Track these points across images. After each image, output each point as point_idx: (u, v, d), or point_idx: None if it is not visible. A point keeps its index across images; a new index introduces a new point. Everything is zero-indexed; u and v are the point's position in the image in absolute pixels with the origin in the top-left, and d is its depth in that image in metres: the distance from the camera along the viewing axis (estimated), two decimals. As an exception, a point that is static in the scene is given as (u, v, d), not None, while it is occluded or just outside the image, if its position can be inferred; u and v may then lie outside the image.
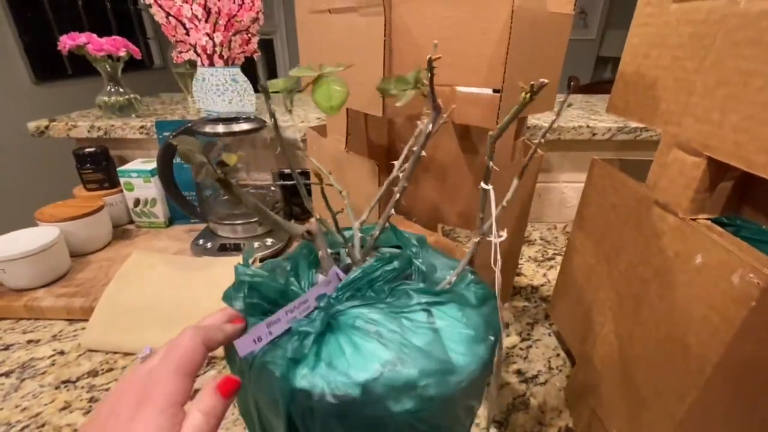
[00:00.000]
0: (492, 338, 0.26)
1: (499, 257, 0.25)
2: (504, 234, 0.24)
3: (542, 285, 0.68)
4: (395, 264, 0.28)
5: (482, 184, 0.26)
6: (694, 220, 0.29)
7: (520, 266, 0.72)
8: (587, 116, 0.83)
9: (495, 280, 0.24)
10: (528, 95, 0.21)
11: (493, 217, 0.25)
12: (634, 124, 0.76)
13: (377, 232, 0.30)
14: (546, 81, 0.20)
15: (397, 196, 0.29)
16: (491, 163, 0.25)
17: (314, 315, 0.26)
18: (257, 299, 0.27)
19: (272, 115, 0.25)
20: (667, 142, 0.32)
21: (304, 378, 0.23)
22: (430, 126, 0.28)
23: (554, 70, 0.45)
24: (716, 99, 0.26)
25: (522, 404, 0.45)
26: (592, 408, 0.40)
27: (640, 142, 0.78)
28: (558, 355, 0.52)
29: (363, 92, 0.44)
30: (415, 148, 0.30)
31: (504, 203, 0.26)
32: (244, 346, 0.25)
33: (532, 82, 0.21)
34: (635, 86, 0.35)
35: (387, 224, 0.30)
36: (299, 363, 0.24)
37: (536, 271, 0.71)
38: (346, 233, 0.32)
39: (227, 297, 0.28)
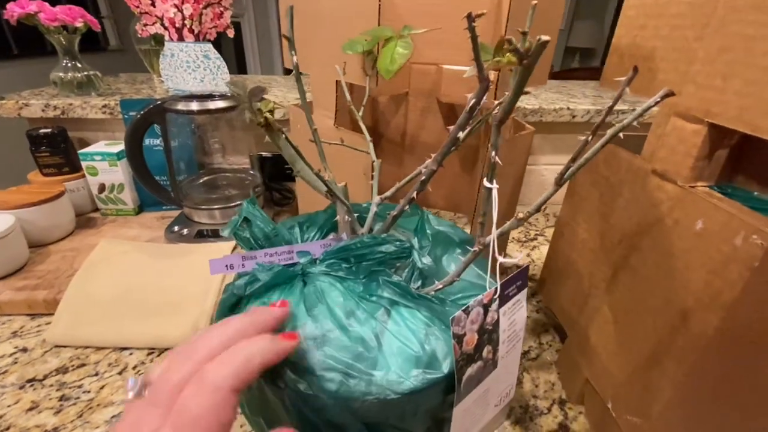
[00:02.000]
0: (445, 371, 0.22)
1: (498, 275, 0.23)
2: (518, 257, 0.22)
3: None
4: (384, 248, 0.27)
5: (485, 182, 0.22)
6: (692, 187, 0.29)
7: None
8: (566, 99, 0.84)
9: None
10: (522, 56, 0.18)
11: (493, 233, 0.23)
12: (611, 107, 0.78)
13: (396, 212, 0.28)
14: (547, 38, 0.18)
15: (423, 178, 0.27)
16: (495, 155, 0.22)
17: (279, 268, 0.26)
18: (247, 234, 0.27)
19: (296, 68, 0.23)
20: (665, 112, 0.32)
21: (239, 312, 0.25)
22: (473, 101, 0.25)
23: (551, 40, 0.45)
24: (719, 65, 0.26)
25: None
26: (586, 378, 0.41)
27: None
28: (547, 330, 0.53)
29: (355, 65, 0.42)
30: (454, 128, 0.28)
31: (519, 215, 0.23)
32: (215, 266, 0.26)
33: (530, 40, 0.19)
34: (631, 59, 0.35)
35: (408, 207, 0.28)
36: (241, 299, 0.26)
37: (520, 251, 0.72)
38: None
39: (228, 225, 0.28)
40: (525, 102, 0.79)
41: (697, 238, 0.28)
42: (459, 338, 0.20)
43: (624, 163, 0.36)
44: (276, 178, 0.81)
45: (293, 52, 0.24)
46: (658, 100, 0.21)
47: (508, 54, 0.17)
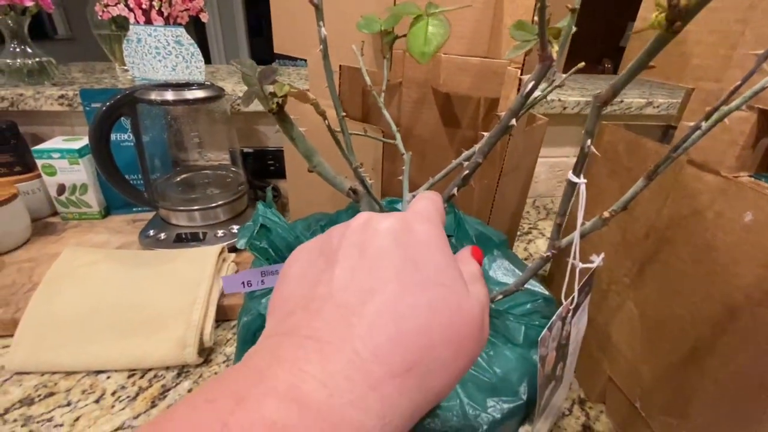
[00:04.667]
0: (523, 398, 0.20)
1: (576, 286, 0.20)
2: (599, 258, 0.19)
3: (525, 259, 0.67)
4: None
5: (571, 176, 0.19)
6: (736, 177, 0.28)
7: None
8: (556, 90, 0.84)
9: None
10: (677, 15, 0.13)
11: (576, 235, 0.20)
12: (600, 98, 0.78)
13: None
14: None
15: (466, 172, 0.24)
16: (590, 144, 0.18)
17: None
18: (265, 244, 0.24)
19: (324, 42, 0.19)
20: (701, 99, 0.30)
21: None
22: (530, 85, 0.21)
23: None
24: (773, 47, 0.25)
25: (532, 380, 0.44)
26: (608, 377, 0.39)
27: (606, 116, 0.80)
28: (555, 327, 0.52)
29: (365, 48, 0.39)
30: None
31: (605, 214, 0.20)
32: (230, 284, 0.23)
33: None
34: (658, 43, 0.34)
35: (446, 206, 0.25)
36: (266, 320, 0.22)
37: (517, 246, 0.71)
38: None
39: (241, 233, 0.24)
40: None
41: (745, 231, 0.26)
42: (543, 360, 0.17)
43: (651, 154, 0.35)
44: (259, 174, 0.76)
45: (321, 23, 0.20)
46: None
47: (656, 14, 0.14)
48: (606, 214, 0.20)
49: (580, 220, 0.19)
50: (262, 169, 0.75)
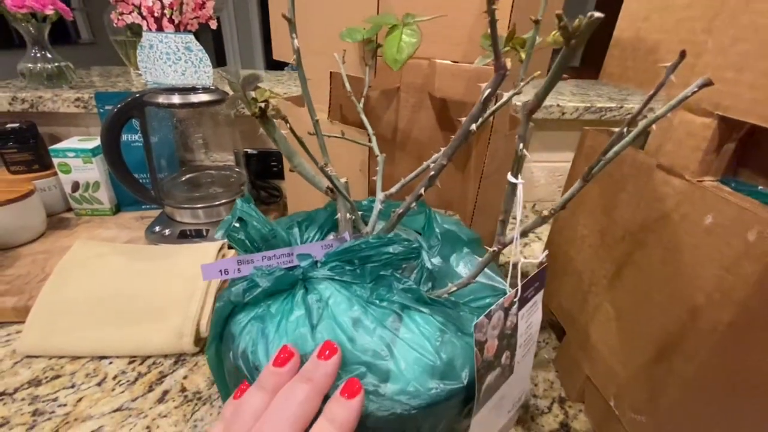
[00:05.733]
0: (464, 381, 0.21)
1: (519, 281, 0.22)
2: (543, 255, 0.21)
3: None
4: (392, 248, 0.25)
5: (510, 177, 0.21)
6: (700, 182, 0.29)
7: (496, 244, 0.72)
8: (555, 96, 0.84)
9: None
10: (571, 34, 0.16)
11: (516, 231, 0.22)
12: (600, 104, 0.79)
13: (401, 210, 0.27)
14: (600, 14, 0.17)
15: (432, 173, 0.25)
16: (523, 147, 0.21)
17: (280, 272, 0.25)
18: (242, 235, 0.26)
19: (297, 53, 0.21)
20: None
21: (236, 323, 0.24)
22: (488, 92, 0.23)
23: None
24: (731, 57, 0.26)
25: (515, 379, 0.45)
26: (587, 376, 0.40)
27: (605, 122, 0.81)
28: (543, 328, 0.53)
29: (352, 55, 0.41)
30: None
31: (544, 213, 0.22)
32: (208, 272, 0.24)
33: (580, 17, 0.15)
34: (633, 52, 0.35)
35: (415, 205, 0.27)
36: (236, 307, 0.24)
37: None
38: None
39: (220, 226, 0.26)
40: (514, 99, 0.78)
41: (706, 233, 0.27)
42: (481, 345, 0.18)
43: (627, 158, 0.36)
44: (262, 175, 0.78)
45: (294, 35, 0.22)
46: (696, 90, 0.20)
47: (553, 33, 0.15)
48: (545, 212, 0.22)
49: (519, 218, 0.20)
50: (265, 170, 0.77)
